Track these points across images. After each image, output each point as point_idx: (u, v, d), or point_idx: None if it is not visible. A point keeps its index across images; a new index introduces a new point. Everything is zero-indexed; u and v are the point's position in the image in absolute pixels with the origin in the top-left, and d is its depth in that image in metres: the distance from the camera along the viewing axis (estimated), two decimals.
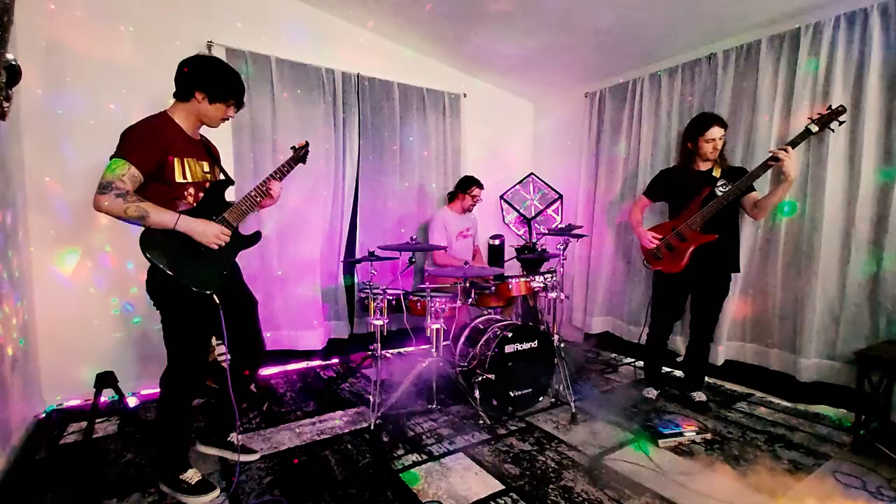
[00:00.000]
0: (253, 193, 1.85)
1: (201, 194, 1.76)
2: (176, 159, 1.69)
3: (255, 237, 1.92)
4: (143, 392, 2.84)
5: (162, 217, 1.60)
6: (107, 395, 2.36)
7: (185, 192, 1.72)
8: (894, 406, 2.28)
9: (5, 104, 1.82)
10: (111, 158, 1.59)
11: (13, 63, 1.78)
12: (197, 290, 1.69)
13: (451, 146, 4.11)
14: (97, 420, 2.33)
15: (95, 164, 2.62)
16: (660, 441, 2.24)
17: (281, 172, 1.92)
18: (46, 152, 2.54)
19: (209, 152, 1.88)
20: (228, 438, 2.12)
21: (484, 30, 3.39)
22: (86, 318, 2.69)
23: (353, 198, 3.62)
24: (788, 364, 2.78)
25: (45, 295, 2.56)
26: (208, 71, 1.74)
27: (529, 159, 4.77)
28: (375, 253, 2.70)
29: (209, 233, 1.68)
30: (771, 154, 2.31)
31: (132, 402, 2.40)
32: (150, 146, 1.62)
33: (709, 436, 2.32)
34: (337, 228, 3.56)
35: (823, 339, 2.64)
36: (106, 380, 2.26)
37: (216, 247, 1.72)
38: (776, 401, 2.82)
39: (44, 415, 2.55)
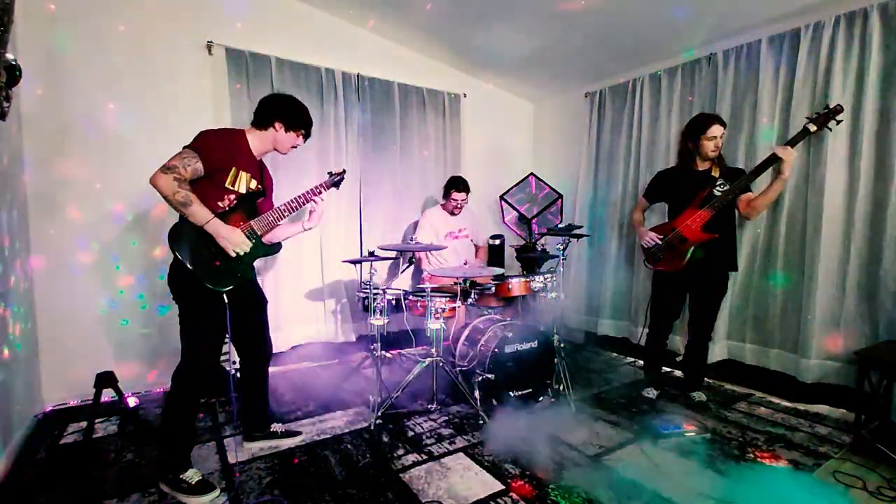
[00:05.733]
0: (282, 208, 1.97)
1: (235, 201, 1.88)
2: (234, 168, 1.86)
3: (276, 247, 2.06)
4: (143, 392, 2.84)
5: (200, 212, 1.73)
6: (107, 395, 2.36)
7: (226, 196, 1.86)
8: (894, 406, 2.28)
9: (5, 104, 1.82)
10: (184, 148, 1.75)
11: (13, 63, 1.78)
12: (210, 287, 1.77)
13: (451, 146, 4.11)
14: (97, 420, 2.33)
15: (95, 164, 2.66)
16: (660, 441, 2.24)
17: (314, 194, 2.03)
18: (46, 152, 2.54)
19: (262, 175, 2.03)
20: (270, 429, 2.23)
21: (484, 30, 3.39)
22: (86, 318, 2.69)
23: (353, 198, 3.62)
24: (789, 364, 2.78)
25: (45, 295, 2.56)
26: (287, 105, 1.98)
27: (529, 159, 4.77)
28: (375, 253, 2.70)
29: (231, 240, 1.81)
30: (773, 152, 2.33)
31: (132, 402, 2.40)
32: (222, 150, 1.82)
33: (709, 436, 2.32)
34: (337, 229, 3.56)
35: (824, 339, 2.64)
36: (106, 380, 2.26)
37: (233, 254, 1.83)
38: (776, 401, 2.82)
39: (43, 415, 2.55)
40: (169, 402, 1.88)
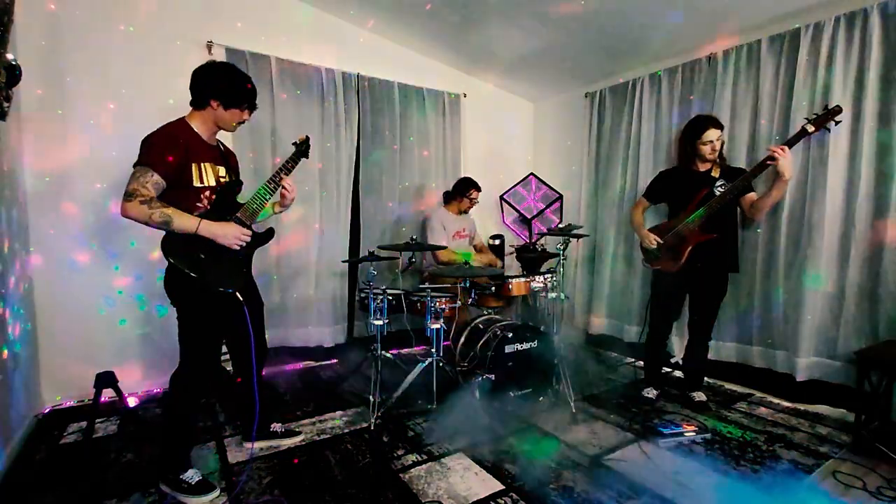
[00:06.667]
0: (262, 192, 1.89)
1: (214, 196, 1.80)
2: (195, 164, 1.75)
3: (269, 234, 1.97)
4: (143, 392, 2.84)
5: (184, 222, 1.66)
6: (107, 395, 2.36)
7: (202, 196, 1.77)
8: (894, 406, 2.28)
9: (5, 104, 1.82)
10: (134, 166, 1.65)
11: (13, 63, 1.79)
12: (221, 290, 1.73)
13: (451, 146, 4.11)
14: (97, 420, 2.33)
15: (95, 164, 2.66)
16: (660, 441, 2.25)
17: (286, 169, 1.96)
18: (46, 152, 2.54)
19: (224, 157, 1.93)
20: (270, 429, 2.22)
21: (484, 30, 3.39)
22: (86, 319, 2.69)
23: (354, 198, 3.63)
24: (789, 364, 2.78)
25: (45, 294, 2.56)
26: (221, 79, 1.80)
27: (529, 159, 4.77)
28: (375, 253, 2.70)
29: (230, 235, 1.74)
30: (768, 153, 2.32)
31: (132, 402, 2.40)
32: (171, 152, 1.67)
33: (709, 436, 2.32)
34: (337, 229, 3.56)
35: (823, 338, 2.65)
36: (106, 380, 2.26)
37: (238, 248, 1.77)
38: (776, 401, 2.82)
39: (43, 415, 2.55)
40: (167, 405, 1.88)
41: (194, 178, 1.74)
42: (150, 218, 1.61)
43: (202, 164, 1.77)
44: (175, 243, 1.69)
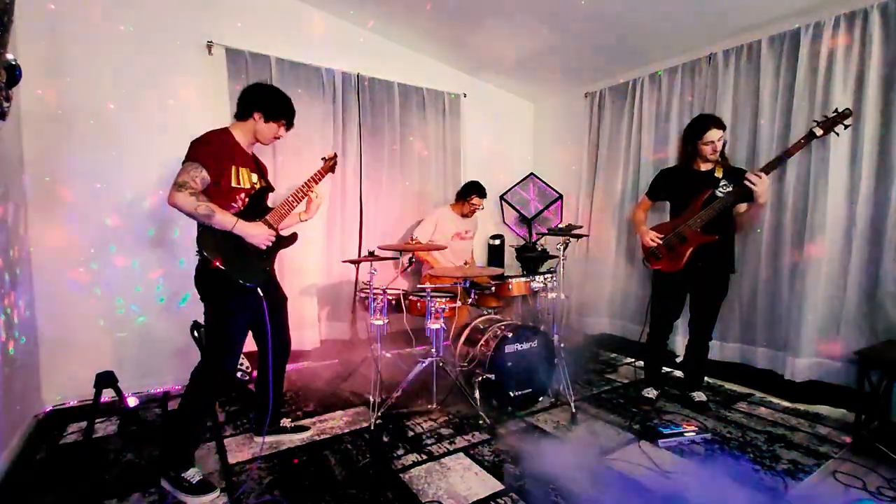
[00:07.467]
0: (290, 199, 2.05)
1: (248, 199, 1.94)
2: (234, 167, 1.90)
3: (293, 238, 2.14)
4: (144, 392, 2.84)
5: (224, 219, 1.81)
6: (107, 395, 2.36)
7: (237, 197, 1.91)
8: (894, 406, 2.28)
9: (5, 104, 1.81)
10: (184, 162, 1.80)
11: (13, 63, 1.78)
12: (243, 284, 1.85)
13: (451, 146, 4.11)
14: (97, 420, 2.33)
15: (95, 164, 2.66)
16: (660, 441, 2.24)
17: (314, 180, 2.13)
18: (46, 152, 2.54)
19: (257, 166, 2.09)
20: (280, 424, 2.30)
21: (484, 30, 3.39)
22: (86, 318, 2.69)
23: (353, 198, 3.63)
24: (789, 364, 2.78)
25: (45, 294, 2.56)
26: (265, 94, 1.99)
27: (529, 159, 4.77)
28: (375, 253, 2.70)
29: (260, 236, 1.91)
30: (745, 180, 2.35)
31: (132, 401, 2.40)
32: (218, 154, 1.85)
33: (709, 436, 2.32)
34: (337, 228, 3.56)
35: (824, 339, 2.64)
36: (106, 380, 2.26)
37: (265, 247, 1.94)
38: (776, 401, 2.81)
39: (44, 415, 2.54)
40: (184, 400, 1.91)
41: (232, 180, 1.88)
42: (195, 209, 1.73)
43: (240, 169, 1.92)
44: (212, 238, 1.81)
